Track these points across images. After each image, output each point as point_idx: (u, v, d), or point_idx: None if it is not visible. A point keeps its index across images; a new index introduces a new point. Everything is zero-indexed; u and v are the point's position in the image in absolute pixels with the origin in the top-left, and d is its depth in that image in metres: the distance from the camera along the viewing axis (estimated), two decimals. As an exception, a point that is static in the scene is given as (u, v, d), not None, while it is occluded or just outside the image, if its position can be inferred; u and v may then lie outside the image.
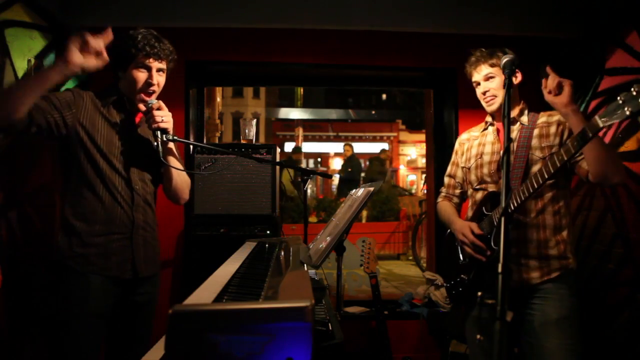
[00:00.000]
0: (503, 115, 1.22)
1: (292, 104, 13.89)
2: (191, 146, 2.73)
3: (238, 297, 0.92)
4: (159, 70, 1.71)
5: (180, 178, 1.80)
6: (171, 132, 1.70)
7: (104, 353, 1.76)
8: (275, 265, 1.27)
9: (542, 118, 1.75)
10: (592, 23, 2.62)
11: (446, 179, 2.06)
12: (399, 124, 17.84)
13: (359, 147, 16.50)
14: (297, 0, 2.74)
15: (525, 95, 1.84)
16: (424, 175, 12.52)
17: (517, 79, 1.76)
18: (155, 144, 1.68)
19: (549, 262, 1.67)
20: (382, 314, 2.39)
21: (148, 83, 1.68)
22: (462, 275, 1.81)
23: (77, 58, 1.46)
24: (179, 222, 2.75)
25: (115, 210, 1.66)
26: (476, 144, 1.90)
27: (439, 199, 2.07)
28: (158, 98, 1.72)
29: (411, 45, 2.91)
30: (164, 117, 1.68)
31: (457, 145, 2.03)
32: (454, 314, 2.63)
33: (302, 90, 13.04)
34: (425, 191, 4.32)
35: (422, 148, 15.14)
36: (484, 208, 1.78)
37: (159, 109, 1.68)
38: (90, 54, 1.49)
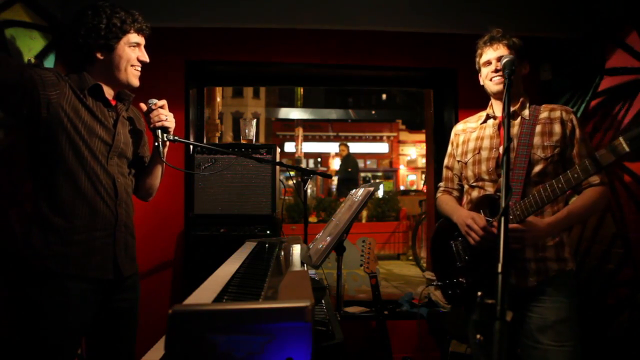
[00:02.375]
0: (503, 116, 1.21)
1: (292, 104, 13.88)
2: (191, 146, 2.73)
3: (238, 297, 0.91)
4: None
5: (161, 178, 1.82)
6: (172, 132, 1.70)
7: None
8: (275, 265, 1.27)
9: (544, 113, 1.70)
10: (592, 23, 2.62)
11: (444, 171, 1.99)
12: (399, 124, 17.85)
13: (359, 147, 16.51)
14: (297, 0, 2.74)
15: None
16: (424, 175, 12.52)
17: (526, 69, 1.76)
18: (156, 143, 1.67)
19: (546, 264, 1.64)
20: (382, 314, 2.39)
21: (139, 60, 1.62)
22: (460, 279, 1.75)
23: None
24: (179, 222, 2.76)
25: (97, 204, 1.53)
26: (474, 137, 1.82)
27: (438, 194, 1.99)
28: (158, 97, 1.72)
29: (411, 45, 2.92)
30: (169, 117, 1.68)
31: (452, 136, 1.95)
32: (454, 314, 2.63)
33: (302, 90, 13.03)
34: (425, 191, 4.32)
35: (422, 148, 15.14)
36: (481, 212, 1.70)
37: (162, 107, 1.67)
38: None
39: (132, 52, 1.59)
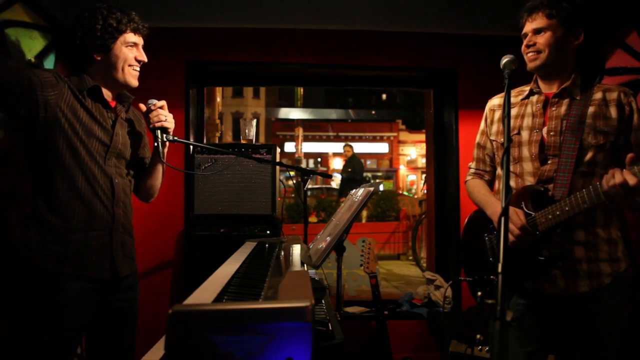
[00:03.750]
0: (503, 114, 1.18)
1: (292, 104, 13.88)
2: (191, 146, 2.73)
3: (238, 297, 0.92)
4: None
5: (161, 179, 1.82)
6: (171, 133, 1.70)
7: None
8: (275, 265, 1.28)
9: (598, 93, 1.48)
10: (592, 23, 2.62)
11: (475, 150, 1.77)
12: (399, 124, 17.85)
13: (359, 147, 16.50)
14: (297, 0, 2.74)
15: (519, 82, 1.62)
16: (424, 175, 12.52)
17: (578, 39, 1.54)
18: (156, 144, 1.68)
19: (599, 265, 1.45)
20: (382, 314, 2.39)
21: (137, 60, 1.62)
22: (491, 277, 1.58)
23: None
24: (179, 222, 2.76)
25: (94, 204, 1.54)
26: (512, 114, 1.59)
27: (468, 177, 1.78)
28: (158, 98, 1.72)
29: (411, 45, 2.92)
30: (168, 117, 1.68)
31: (486, 110, 1.72)
32: (454, 314, 2.63)
33: (302, 90, 13.02)
34: (425, 191, 4.32)
35: (422, 148, 15.14)
36: (523, 204, 1.48)
37: (161, 108, 1.67)
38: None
39: (130, 51, 1.60)
